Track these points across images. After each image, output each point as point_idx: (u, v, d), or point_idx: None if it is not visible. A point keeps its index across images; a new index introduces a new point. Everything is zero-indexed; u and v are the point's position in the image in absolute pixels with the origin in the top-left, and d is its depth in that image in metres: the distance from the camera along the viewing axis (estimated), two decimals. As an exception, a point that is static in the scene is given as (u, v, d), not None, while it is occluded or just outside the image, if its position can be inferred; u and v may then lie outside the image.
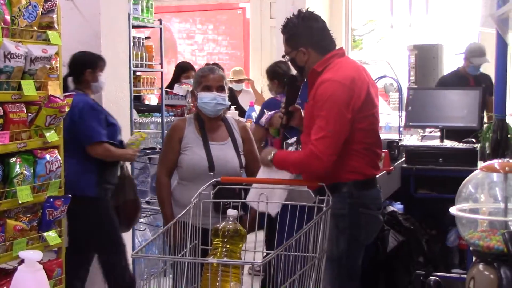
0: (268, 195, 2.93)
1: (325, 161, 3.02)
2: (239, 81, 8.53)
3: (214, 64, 5.83)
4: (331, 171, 3.07)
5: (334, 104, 3.04)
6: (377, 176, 3.34)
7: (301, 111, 3.41)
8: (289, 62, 3.37)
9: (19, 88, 3.36)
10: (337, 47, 3.31)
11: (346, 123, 3.07)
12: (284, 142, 3.92)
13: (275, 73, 5.51)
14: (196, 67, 6.93)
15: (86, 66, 4.26)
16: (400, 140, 5.24)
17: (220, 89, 3.68)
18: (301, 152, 3.11)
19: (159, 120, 5.53)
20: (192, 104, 5.65)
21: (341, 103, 3.05)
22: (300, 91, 3.39)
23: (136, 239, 5.18)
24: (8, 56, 3.23)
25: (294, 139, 3.82)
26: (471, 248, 2.77)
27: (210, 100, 3.62)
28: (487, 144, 4.57)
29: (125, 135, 4.53)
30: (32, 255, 2.19)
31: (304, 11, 3.28)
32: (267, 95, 6.93)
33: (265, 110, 4.70)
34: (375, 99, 3.24)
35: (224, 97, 3.67)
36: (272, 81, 5.54)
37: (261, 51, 10.43)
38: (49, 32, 3.53)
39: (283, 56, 3.36)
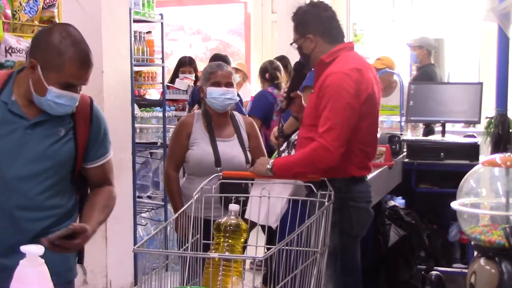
0: (269, 206, 2.93)
1: (334, 153, 2.99)
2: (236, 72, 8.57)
3: (223, 56, 5.88)
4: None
5: (341, 95, 3.03)
6: (367, 175, 3.32)
7: (302, 99, 3.41)
8: (296, 50, 3.37)
9: (21, 82, 3.35)
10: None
11: (353, 113, 3.05)
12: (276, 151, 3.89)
13: (261, 69, 5.89)
14: (197, 61, 6.94)
15: None
16: (401, 134, 5.24)
17: (229, 85, 3.68)
18: (305, 148, 3.08)
19: (161, 114, 5.52)
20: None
21: (347, 93, 3.04)
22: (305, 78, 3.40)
23: (138, 234, 5.19)
24: (9, 51, 3.24)
25: (284, 145, 3.81)
26: (472, 243, 2.76)
27: (219, 95, 3.63)
28: (488, 139, 4.57)
29: (126, 129, 4.53)
30: (34, 250, 2.20)
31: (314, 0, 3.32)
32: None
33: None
34: (377, 97, 3.24)
35: (234, 93, 3.67)
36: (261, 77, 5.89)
37: (262, 46, 10.40)
38: (50, 26, 3.53)
39: (291, 44, 3.37)
